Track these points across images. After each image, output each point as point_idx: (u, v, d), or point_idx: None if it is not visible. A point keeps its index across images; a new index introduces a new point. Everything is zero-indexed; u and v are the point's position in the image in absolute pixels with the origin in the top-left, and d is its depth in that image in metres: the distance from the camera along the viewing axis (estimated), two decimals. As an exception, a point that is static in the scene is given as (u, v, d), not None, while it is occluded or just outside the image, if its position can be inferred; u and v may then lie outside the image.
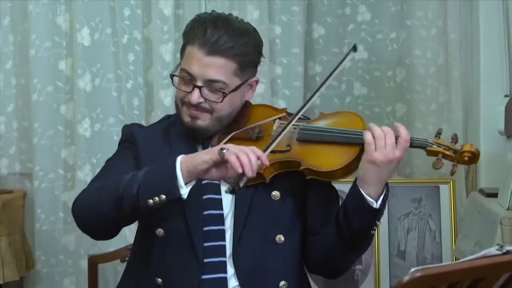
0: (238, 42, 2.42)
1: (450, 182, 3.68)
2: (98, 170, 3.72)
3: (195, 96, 2.42)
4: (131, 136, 2.57)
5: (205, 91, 2.42)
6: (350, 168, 2.38)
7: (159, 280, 2.42)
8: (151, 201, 2.29)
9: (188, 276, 2.38)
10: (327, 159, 2.39)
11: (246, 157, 2.20)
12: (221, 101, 2.43)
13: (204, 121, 2.46)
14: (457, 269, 1.75)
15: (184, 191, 2.28)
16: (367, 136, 2.30)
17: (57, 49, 3.94)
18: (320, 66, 3.97)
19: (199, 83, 2.42)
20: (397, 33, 3.95)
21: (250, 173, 2.19)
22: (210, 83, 2.42)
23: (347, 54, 2.50)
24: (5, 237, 3.65)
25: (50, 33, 3.92)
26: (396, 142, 2.30)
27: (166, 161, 2.30)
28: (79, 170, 3.88)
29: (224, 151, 2.21)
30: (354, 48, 2.49)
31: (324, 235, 2.44)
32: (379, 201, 2.35)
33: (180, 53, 2.52)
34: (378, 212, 2.36)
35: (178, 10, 3.92)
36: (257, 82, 2.57)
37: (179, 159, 2.27)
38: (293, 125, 2.42)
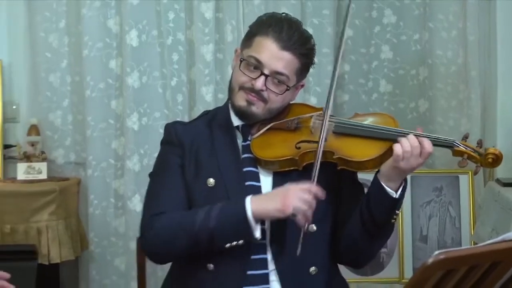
0: (306, 45, 2.48)
1: (469, 173, 3.67)
2: (145, 160, 3.83)
3: (260, 83, 2.45)
4: (176, 136, 2.58)
5: (269, 81, 2.45)
6: (381, 160, 2.40)
7: (211, 265, 2.44)
8: (228, 245, 2.37)
9: (235, 257, 2.40)
10: (360, 151, 2.41)
11: (311, 212, 2.30)
12: (282, 94, 2.47)
13: (257, 108, 2.49)
14: (477, 252, 1.75)
15: (258, 233, 2.36)
16: (397, 149, 2.32)
17: (108, 49, 3.96)
18: (348, 65, 3.97)
19: (266, 72, 2.44)
20: (420, 34, 3.94)
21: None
22: (275, 75, 2.45)
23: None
24: (62, 220, 3.67)
25: (101, 35, 3.94)
26: (420, 153, 2.33)
27: (236, 209, 2.36)
28: (128, 160, 3.91)
29: (296, 216, 2.30)
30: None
31: (350, 228, 2.46)
32: (399, 192, 2.37)
33: (245, 41, 2.55)
34: (398, 202, 2.38)
35: (218, 14, 3.92)
36: (303, 86, 2.61)
37: (249, 212, 2.33)
38: (329, 120, 2.44)
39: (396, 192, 2.37)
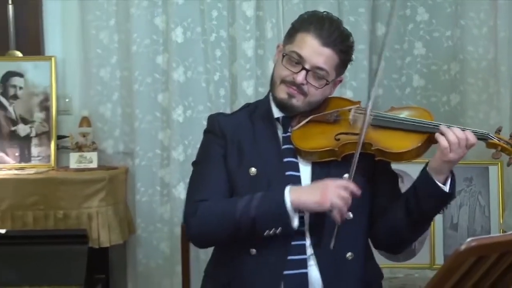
0: (345, 43, 2.49)
1: (498, 164, 3.63)
2: (189, 150, 3.84)
3: (301, 77, 2.45)
4: (219, 127, 2.59)
5: (310, 75, 2.45)
6: (417, 152, 2.42)
7: (253, 250, 2.44)
8: (267, 231, 2.37)
9: (277, 242, 2.40)
10: (397, 142, 2.42)
11: (346, 208, 2.32)
12: (321, 88, 2.46)
13: (297, 101, 2.49)
14: (508, 239, 1.74)
15: (296, 223, 2.37)
16: (443, 141, 2.32)
17: (155, 45, 3.96)
18: (383, 61, 3.94)
19: (307, 66, 2.44)
20: (452, 31, 3.89)
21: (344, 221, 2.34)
22: (316, 69, 2.45)
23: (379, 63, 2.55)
24: (111, 206, 3.69)
25: (149, 32, 3.95)
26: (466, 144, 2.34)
27: (275, 199, 2.37)
28: (173, 150, 3.92)
29: (333, 210, 2.32)
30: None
31: (392, 217, 2.46)
32: (447, 185, 2.37)
33: (287, 37, 2.54)
34: (450, 196, 2.38)
35: (258, 12, 3.91)
36: (341, 81, 2.61)
37: (288, 201, 2.34)
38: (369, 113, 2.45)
39: (444, 185, 2.37)
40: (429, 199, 2.37)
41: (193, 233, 2.53)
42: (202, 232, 2.51)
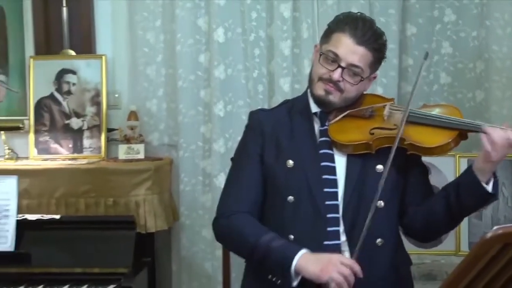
0: (378, 41, 2.50)
1: (521, 157, 3.63)
2: (229, 143, 3.86)
3: (337, 74, 2.46)
4: (258, 123, 2.61)
5: (346, 73, 2.45)
6: (448, 148, 2.43)
7: (291, 236, 2.46)
8: (270, 276, 2.40)
9: (314, 228, 2.42)
10: (429, 138, 2.43)
11: (347, 286, 2.29)
12: (356, 84, 2.47)
13: (334, 97, 2.50)
14: (532, 228, 1.74)
15: (295, 284, 2.37)
16: (486, 144, 2.32)
17: (198, 45, 3.98)
18: (412, 59, 3.93)
19: (343, 64, 2.45)
20: (477, 31, 3.87)
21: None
22: (351, 67, 2.46)
23: (422, 64, 2.52)
24: (157, 195, 3.70)
25: (192, 32, 3.97)
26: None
27: (287, 255, 2.37)
28: (214, 142, 3.94)
29: (330, 284, 2.29)
30: (426, 56, 2.53)
31: (430, 210, 2.47)
32: (490, 185, 2.36)
33: (324, 37, 2.55)
34: (493, 196, 2.38)
35: (295, 13, 3.91)
36: (375, 77, 2.61)
37: (294, 264, 2.34)
38: (403, 110, 2.46)
39: (487, 184, 2.36)
40: (471, 196, 2.38)
41: (217, 231, 2.61)
42: (223, 239, 2.61)
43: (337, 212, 2.45)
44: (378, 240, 2.48)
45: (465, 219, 3.51)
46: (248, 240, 2.44)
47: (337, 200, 2.46)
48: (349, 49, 2.46)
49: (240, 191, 2.56)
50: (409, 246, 2.74)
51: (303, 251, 2.36)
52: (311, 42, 3.75)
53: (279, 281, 2.38)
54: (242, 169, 2.60)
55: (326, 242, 2.43)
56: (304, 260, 2.35)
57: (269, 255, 2.38)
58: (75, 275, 3.50)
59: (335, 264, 2.31)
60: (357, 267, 2.32)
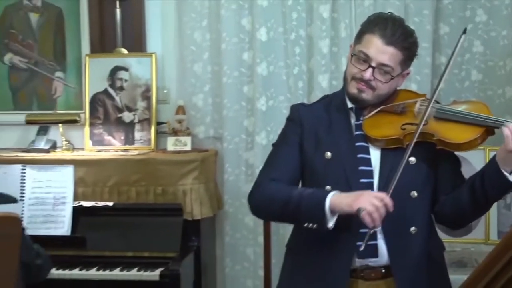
0: (408, 40, 2.46)
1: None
2: (271, 136, 3.86)
3: (368, 73, 2.44)
4: (298, 116, 2.60)
5: (376, 72, 2.43)
6: (475, 143, 2.40)
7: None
8: (306, 224, 2.38)
9: (349, 216, 2.38)
10: (456, 134, 2.40)
11: (377, 215, 2.27)
12: (387, 82, 2.45)
13: (367, 95, 2.48)
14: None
15: (331, 224, 2.36)
16: (506, 131, 2.29)
17: (242, 43, 3.98)
18: (444, 57, 3.89)
19: (373, 64, 2.43)
20: (507, 31, 3.81)
21: (378, 227, 2.31)
22: (381, 66, 2.43)
23: (460, 37, 2.49)
24: (203, 184, 3.71)
25: (236, 32, 3.97)
26: None
27: (319, 196, 2.37)
28: (257, 135, 3.94)
29: (361, 212, 2.27)
30: (464, 31, 2.50)
31: (458, 197, 2.44)
32: None
33: (356, 38, 2.53)
34: None
35: (333, 14, 3.89)
36: (408, 73, 2.58)
37: (328, 202, 2.34)
38: (432, 106, 2.43)
39: (510, 174, 2.33)
40: (493, 185, 2.34)
41: (251, 203, 2.59)
42: (258, 205, 2.57)
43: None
44: (412, 228, 2.47)
45: (494, 209, 3.51)
46: (281, 197, 2.44)
47: (372, 189, 2.44)
48: (379, 49, 2.44)
49: (275, 166, 2.57)
50: (441, 235, 2.72)
51: (334, 191, 2.37)
52: (348, 41, 3.72)
53: (315, 225, 2.37)
54: (280, 151, 2.60)
55: (361, 230, 2.41)
56: (337, 197, 2.35)
57: (303, 202, 2.38)
58: (126, 258, 3.55)
59: (367, 195, 2.31)
60: (388, 200, 2.30)
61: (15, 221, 1.64)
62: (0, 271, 1.68)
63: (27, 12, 4.15)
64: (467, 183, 2.45)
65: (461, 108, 2.49)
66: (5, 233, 1.65)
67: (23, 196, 3.67)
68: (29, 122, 4.04)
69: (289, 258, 2.67)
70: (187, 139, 3.90)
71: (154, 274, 3.39)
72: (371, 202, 2.28)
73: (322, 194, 2.37)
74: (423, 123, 2.39)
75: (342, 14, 3.86)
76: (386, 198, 2.31)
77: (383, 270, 2.47)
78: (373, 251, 2.44)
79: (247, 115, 4.02)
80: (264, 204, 2.52)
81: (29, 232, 1.69)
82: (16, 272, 1.72)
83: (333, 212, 2.35)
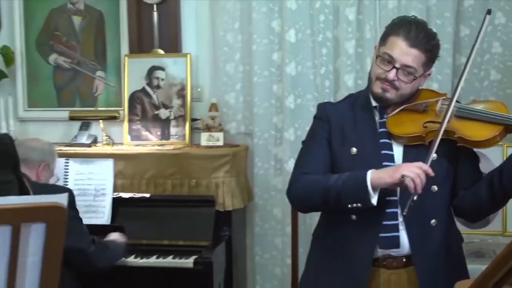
0: (430, 43, 2.45)
1: None
2: (298, 132, 3.87)
3: (392, 74, 2.44)
4: (325, 114, 2.59)
5: (400, 72, 2.43)
6: (494, 141, 2.39)
7: (353, 216, 2.46)
8: (350, 205, 2.38)
9: (374, 210, 2.39)
10: (476, 132, 2.39)
11: (419, 181, 2.27)
12: (410, 83, 2.44)
13: (391, 94, 2.48)
14: None
15: (374, 200, 2.36)
16: None
17: (271, 45, 3.99)
18: (464, 58, 3.86)
19: (397, 65, 2.43)
20: (525, 33, 3.81)
21: (420, 191, 2.28)
22: (405, 67, 2.43)
23: (485, 17, 2.48)
24: (234, 177, 3.74)
25: (266, 33, 3.98)
26: None
27: (359, 176, 2.36)
28: (285, 131, 3.95)
29: (404, 178, 2.28)
30: (489, 12, 2.50)
31: (476, 192, 2.42)
32: None
33: (381, 40, 2.52)
34: None
35: (359, 16, 3.89)
36: (430, 74, 2.57)
37: (368, 178, 2.34)
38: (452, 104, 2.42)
39: None
40: (511, 180, 2.33)
41: (292, 198, 2.58)
42: (299, 198, 2.55)
43: (395, 196, 2.43)
44: (433, 221, 2.46)
45: (511, 203, 3.48)
46: (321, 186, 2.43)
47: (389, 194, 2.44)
48: (402, 51, 2.43)
49: (308, 162, 2.56)
50: (460, 227, 2.71)
51: (372, 169, 2.37)
52: (373, 42, 3.72)
53: (359, 204, 2.37)
54: (311, 148, 2.59)
55: (384, 222, 2.42)
56: (376, 173, 2.35)
57: (344, 185, 2.38)
58: (162, 246, 3.58)
59: (406, 165, 2.33)
60: (427, 167, 2.31)
61: (61, 210, 1.67)
62: (47, 258, 1.71)
63: (71, 15, 4.20)
64: (486, 178, 2.44)
65: (480, 107, 2.48)
66: (52, 222, 1.68)
67: (66, 188, 3.72)
68: (72, 118, 4.09)
69: (315, 247, 2.68)
70: (220, 135, 3.92)
71: (188, 262, 3.42)
72: (412, 170, 2.30)
73: (361, 174, 2.37)
74: (446, 121, 2.39)
75: (367, 16, 3.86)
76: (425, 165, 2.32)
77: (404, 260, 2.47)
78: (395, 242, 2.44)
79: (276, 113, 4.03)
80: (305, 196, 2.51)
81: (72, 221, 1.72)
82: (61, 258, 1.74)
83: (374, 188, 2.35)
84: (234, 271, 3.82)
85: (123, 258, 3.45)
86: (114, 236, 3.45)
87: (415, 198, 2.32)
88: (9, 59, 4.20)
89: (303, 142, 2.67)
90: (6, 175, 2.19)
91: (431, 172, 2.32)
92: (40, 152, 3.29)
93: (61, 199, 1.69)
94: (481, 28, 2.49)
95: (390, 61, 2.45)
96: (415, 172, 2.29)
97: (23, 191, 2.27)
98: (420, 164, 2.32)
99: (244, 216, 4.08)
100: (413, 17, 2.54)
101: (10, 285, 1.70)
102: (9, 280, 1.70)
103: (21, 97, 4.27)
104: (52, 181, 3.31)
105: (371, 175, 2.35)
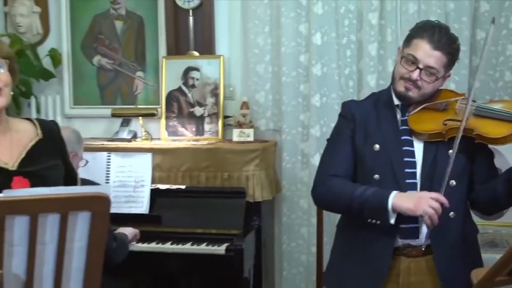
0: (452, 46, 2.45)
1: None
2: (324, 128, 3.86)
3: (416, 74, 2.43)
4: (350, 112, 2.59)
5: (423, 73, 2.43)
6: (510, 138, 2.38)
7: None
8: (369, 220, 2.41)
9: None
10: (494, 129, 2.39)
11: (436, 217, 2.31)
12: (432, 83, 2.44)
13: (413, 93, 2.47)
14: None
15: (393, 220, 2.37)
16: None
17: (299, 47, 3.98)
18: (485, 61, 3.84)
19: (421, 66, 2.42)
20: (539, 36, 3.76)
21: (436, 224, 2.33)
22: (428, 68, 2.42)
23: (490, 27, 2.46)
24: (263, 171, 3.74)
25: (294, 36, 3.97)
26: None
27: (382, 197, 2.37)
28: (311, 128, 3.94)
29: (424, 217, 2.32)
30: (493, 21, 2.48)
31: (493, 188, 2.42)
32: None
33: (405, 42, 2.51)
34: None
35: (381, 21, 3.86)
36: (449, 76, 2.56)
37: (390, 202, 2.35)
38: (471, 105, 2.42)
39: None
40: None
41: (317, 199, 2.60)
42: (324, 200, 2.57)
43: (415, 189, 2.43)
44: (451, 213, 2.45)
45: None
46: (345, 196, 2.44)
47: (415, 179, 2.44)
48: (426, 53, 2.42)
49: (334, 163, 2.55)
50: (475, 219, 2.69)
51: (394, 192, 2.37)
52: (394, 45, 3.71)
53: (378, 222, 2.39)
54: (336, 146, 2.59)
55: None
56: (398, 199, 2.35)
57: (367, 203, 2.39)
58: (196, 234, 3.60)
59: (426, 199, 2.32)
60: (444, 199, 2.33)
61: (105, 200, 1.69)
62: (92, 243, 1.73)
63: (113, 20, 4.23)
64: (503, 175, 2.42)
65: (497, 106, 2.47)
66: (96, 211, 1.70)
67: (108, 180, 3.75)
68: (114, 115, 4.12)
69: (339, 237, 2.68)
70: (250, 131, 3.92)
71: (220, 249, 3.44)
72: (430, 205, 2.31)
73: (384, 195, 2.37)
74: (465, 119, 2.38)
75: (389, 21, 3.84)
76: (441, 197, 2.33)
77: (423, 249, 2.47)
78: (415, 232, 2.44)
79: (303, 110, 4.02)
80: (329, 200, 2.52)
81: (113, 210, 1.73)
82: (104, 244, 1.76)
83: (394, 211, 2.37)
84: (263, 258, 3.82)
85: (160, 245, 3.48)
86: (127, 231, 3.42)
87: (431, 229, 2.36)
88: (56, 60, 4.25)
89: (328, 140, 2.67)
90: (54, 159, 2.22)
91: (447, 204, 2.34)
92: (69, 143, 3.29)
93: (105, 189, 1.71)
94: (487, 36, 2.48)
95: (414, 61, 2.44)
96: (433, 208, 2.31)
97: (70, 174, 2.30)
98: (437, 196, 2.33)
99: (273, 207, 4.07)
100: (436, 21, 2.54)
101: (59, 268, 1.73)
102: (57, 263, 1.72)
103: (68, 95, 4.32)
104: (81, 164, 3.29)
105: (393, 200, 2.35)
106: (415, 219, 2.42)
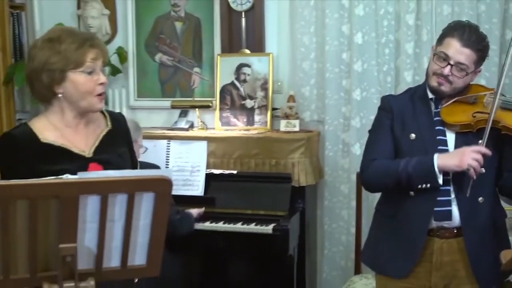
0: (481, 43, 2.41)
1: None
2: (363, 120, 3.82)
3: (447, 70, 2.41)
4: (388, 105, 2.58)
5: (454, 69, 2.40)
6: None
7: (411, 193, 2.43)
8: (420, 186, 2.38)
9: (430, 187, 2.38)
10: None
11: (479, 167, 2.29)
12: (463, 78, 2.40)
13: (445, 88, 2.45)
14: None
15: (440, 180, 2.35)
16: None
17: (341, 46, 3.94)
18: (509, 58, 3.73)
19: (452, 62, 2.40)
20: None
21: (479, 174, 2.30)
22: (458, 64, 2.39)
23: None
24: (308, 158, 3.73)
25: (337, 36, 3.94)
26: None
27: (427, 161, 2.35)
28: (352, 120, 3.90)
29: (469, 170, 2.29)
30: None
31: None
32: None
33: (438, 40, 2.49)
34: None
35: (417, 21, 3.80)
36: (480, 71, 2.53)
37: (436, 163, 2.33)
38: (499, 98, 2.38)
39: None
40: None
41: (365, 183, 2.58)
42: (372, 182, 2.55)
43: (448, 175, 2.41)
44: (480, 198, 2.44)
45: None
46: (392, 170, 2.42)
47: (446, 174, 2.41)
48: (457, 50, 2.39)
49: (375, 150, 2.54)
50: (503, 204, 2.64)
51: (436, 154, 2.36)
52: (429, 44, 3.64)
53: (428, 185, 2.37)
54: (377, 135, 2.58)
55: (439, 198, 2.41)
56: (442, 159, 2.34)
57: (414, 169, 2.37)
58: (246, 215, 3.61)
59: (469, 153, 2.31)
60: (485, 150, 2.32)
61: (167, 182, 1.70)
62: (155, 221, 1.75)
63: (173, 21, 4.26)
64: None
65: None
66: (159, 192, 1.72)
67: (168, 165, 3.79)
68: (173, 107, 4.15)
69: (377, 218, 2.67)
70: (296, 122, 3.91)
71: (268, 228, 3.45)
72: (473, 158, 2.30)
73: (428, 160, 2.36)
74: (494, 111, 2.34)
75: (425, 21, 3.78)
76: (483, 148, 2.32)
77: (455, 231, 2.45)
78: (448, 215, 2.42)
79: (344, 104, 3.99)
80: (378, 179, 2.50)
81: (172, 192, 1.75)
82: (166, 222, 1.78)
83: (440, 171, 2.35)
84: (306, 238, 3.82)
85: (213, 224, 3.51)
86: (192, 211, 3.49)
87: (474, 177, 2.32)
88: (123, 57, 4.30)
89: (370, 131, 2.65)
90: (122, 147, 2.27)
91: (489, 153, 2.31)
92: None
93: (168, 173, 1.72)
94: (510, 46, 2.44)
95: (446, 58, 2.41)
96: (477, 160, 2.29)
97: (134, 161, 2.34)
98: (479, 148, 2.31)
99: (316, 191, 4.06)
100: (467, 21, 2.50)
101: (126, 243, 1.75)
102: (125, 239, 1.75)
103: (132, 89, 4.37)
104: (141, 151, 3.32)
105: (438, 161, 2.33)
106: (449, 203, 2.38)
